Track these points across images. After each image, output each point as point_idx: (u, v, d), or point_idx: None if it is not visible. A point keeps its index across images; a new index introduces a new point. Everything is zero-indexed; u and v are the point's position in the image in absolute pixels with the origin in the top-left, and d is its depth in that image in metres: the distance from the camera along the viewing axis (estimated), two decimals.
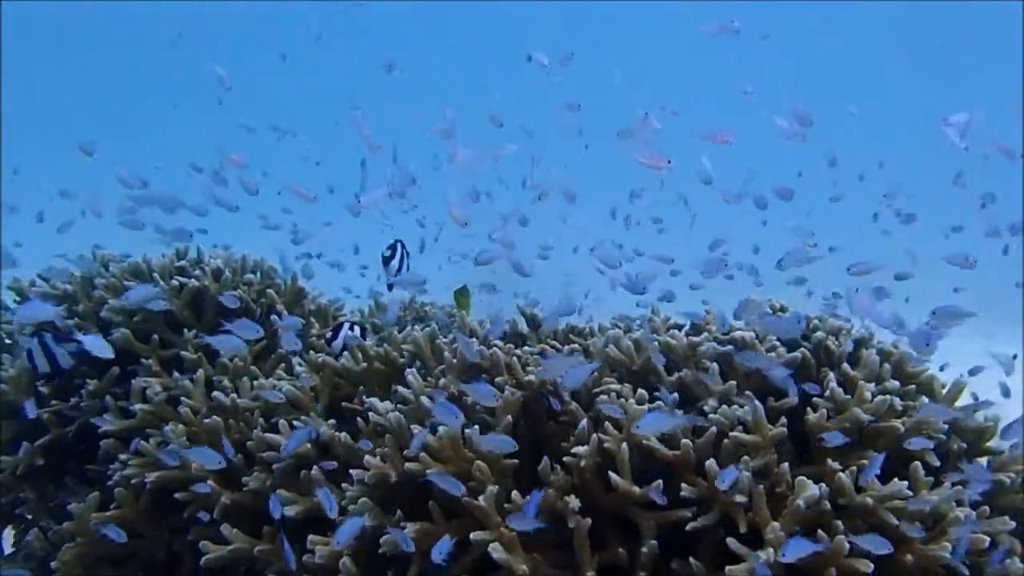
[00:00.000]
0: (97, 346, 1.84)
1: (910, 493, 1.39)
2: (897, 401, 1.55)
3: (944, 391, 1.72)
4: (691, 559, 1.41)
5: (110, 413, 1.99)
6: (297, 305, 2.42)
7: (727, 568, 1.33)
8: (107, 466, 1.90)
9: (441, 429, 1.54)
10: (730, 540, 1.37)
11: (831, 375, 1.65)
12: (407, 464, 1.54)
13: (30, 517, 2.10)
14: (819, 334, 1.77)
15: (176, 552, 1.86)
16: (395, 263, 2.29)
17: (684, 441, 1.49)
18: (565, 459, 1.52)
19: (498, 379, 1.72)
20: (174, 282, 2.19)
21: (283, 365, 2.09)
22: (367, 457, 1.61)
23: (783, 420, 1.54)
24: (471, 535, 1.42)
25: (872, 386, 1.59)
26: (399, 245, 2.31)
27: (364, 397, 1.82)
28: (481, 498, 1.45)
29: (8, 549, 2.20)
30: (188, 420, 1.85)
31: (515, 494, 1.47)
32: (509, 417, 1.61)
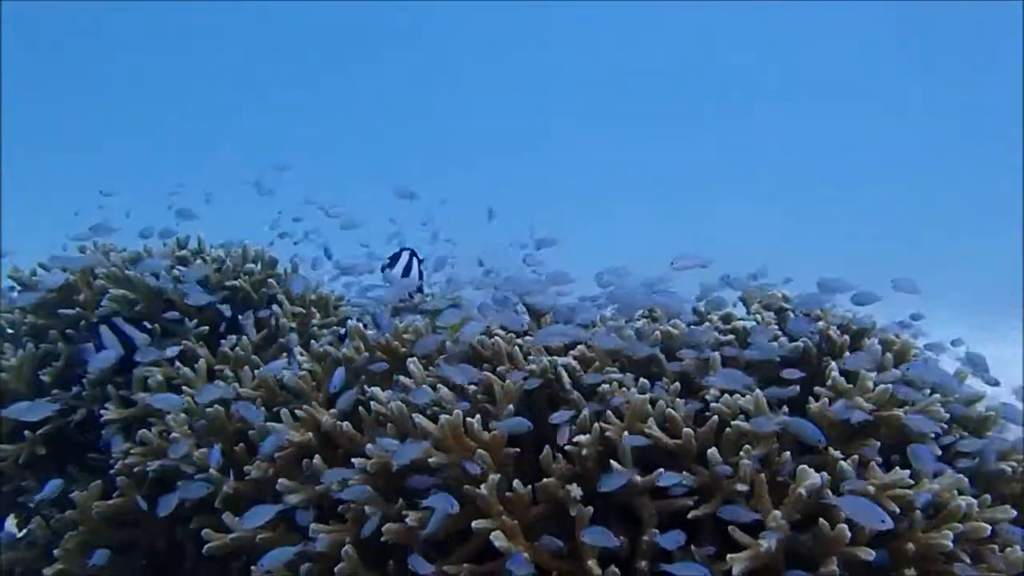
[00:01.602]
0: None
1: (912, 481, 1.39)
2: (899, 389, 1.55)
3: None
4: (692, 547, 1.41)
5: (111, 402, 2.00)
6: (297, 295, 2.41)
7: (728, 556, 1.33)
8: (109, 454, 1.90)
9: (443, 417, 1.55)
10: (732, 528, 1.38)
11: (833, 364, 1.64)
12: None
13: (32, 506, 2.11)
14: (821, 323, 1.77)
15: (178, 541, 1.87)
16: (397, 270, 2.29)
17: (686, 430, 1.49)
18: (567, 447, 1.52)
19: (499, 368, 1.72)
20: (175, 271, 2.19)
21: (284, 354, 2.09)
22: (368, 446, 1.62)
23: (785, 409, 1.54)
24: (473, 524, 1.43)
25: (874, 375, 1.59)
26: (405, 253, 2.30)
27: (366, 387, 1.82)
28: (483, 486, 1.45)
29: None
30: (190, 409, 1.85)
31: (516, 483, 1.47)
32: (511, 406, 1.61)
